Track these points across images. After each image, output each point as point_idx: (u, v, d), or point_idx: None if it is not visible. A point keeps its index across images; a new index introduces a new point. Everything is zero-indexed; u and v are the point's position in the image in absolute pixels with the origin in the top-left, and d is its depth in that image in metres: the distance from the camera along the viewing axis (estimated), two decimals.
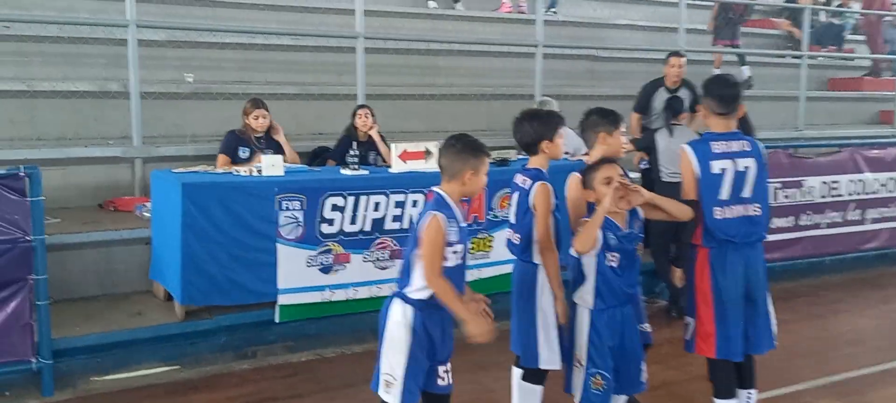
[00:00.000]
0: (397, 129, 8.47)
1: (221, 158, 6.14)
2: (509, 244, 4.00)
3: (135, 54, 6.35)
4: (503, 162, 6.25)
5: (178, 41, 7.59)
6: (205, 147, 6.79)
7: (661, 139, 6.38)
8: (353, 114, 6.79)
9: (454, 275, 3.31)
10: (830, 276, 7.67)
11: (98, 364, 5.00)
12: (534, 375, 3.95)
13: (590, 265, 3.70)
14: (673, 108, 6.45)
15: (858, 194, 7.73)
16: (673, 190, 6.09)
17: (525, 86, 8.83)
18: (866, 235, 7.87)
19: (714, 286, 3.91)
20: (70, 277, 5.59)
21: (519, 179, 3.92)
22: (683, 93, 7.29)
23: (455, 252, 3.29)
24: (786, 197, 7.35)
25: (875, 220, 7.88)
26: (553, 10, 10.42)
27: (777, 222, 7.23)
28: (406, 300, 3.31)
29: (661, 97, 7.38)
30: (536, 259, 3.85)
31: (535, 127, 3.87)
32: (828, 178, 7.56)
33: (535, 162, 3.91)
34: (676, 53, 7.57)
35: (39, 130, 6.72)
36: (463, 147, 3.34)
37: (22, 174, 4.51)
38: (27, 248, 4.53)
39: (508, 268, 4.07)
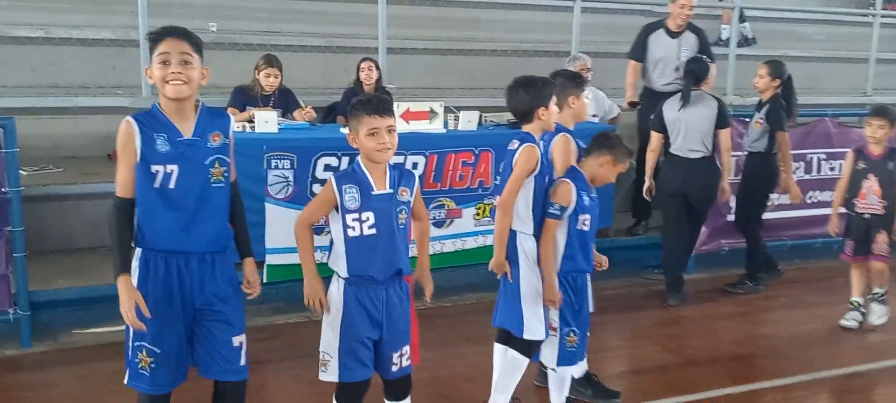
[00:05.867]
0: (428, 86, 8.22)
1: (230, 112, 6.00)
2: (494, 212, 4.10)
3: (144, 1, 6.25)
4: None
5: None
6: (220, 100, 6.63)
7: (670, 110, 5.68)
8: (358, 67, 6.56)
9: (359, 248, 3.17)
10: None
11: (80, 317, 4.98)
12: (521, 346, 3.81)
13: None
14: (695, 74, 5.65)
15: None
16: (688, 165, 5.60)
17: (567, 42, 8.40)
18: None
19: None
20: (69, 229, 5.60)
21: (511, 145, 3.75)
22: (688, 41, 6.49)
23: (358, 220, 3.13)
24: (831, 169, 6.76)
25: None
26: None
27: (819, 196, 6.67)
28: None
29: (661, 43, 6.58)
30: (516, 224, 3.73)
31: (531, 94, 3.69)
32: None
33: (528, 128, 3.74)
34: None
35: (58, 78, 6.73)
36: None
37: None
38: (2, 200, 4.50)
39: None
